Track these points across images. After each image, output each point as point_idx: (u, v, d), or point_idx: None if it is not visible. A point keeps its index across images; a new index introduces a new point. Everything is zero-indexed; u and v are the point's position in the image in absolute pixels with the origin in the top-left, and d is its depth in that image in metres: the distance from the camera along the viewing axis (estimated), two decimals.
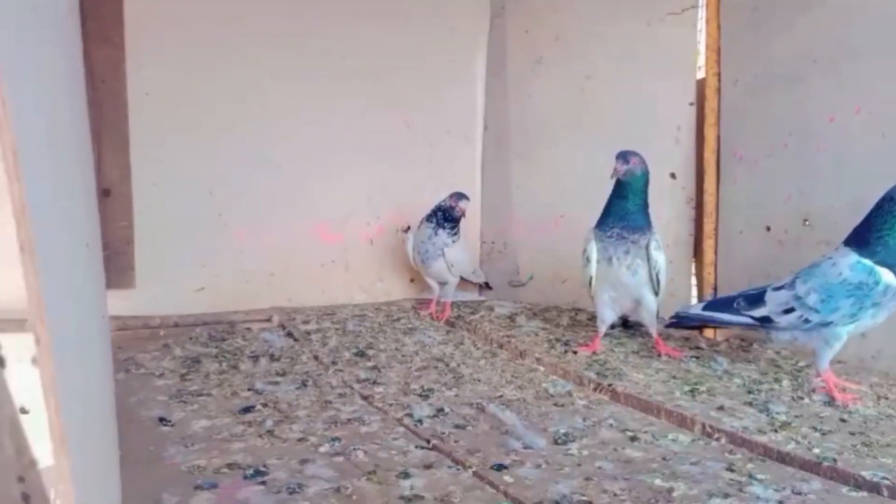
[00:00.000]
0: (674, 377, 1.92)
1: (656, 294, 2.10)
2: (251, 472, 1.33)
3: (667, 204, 2.56)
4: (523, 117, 3.06)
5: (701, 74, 2.68)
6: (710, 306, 2.06)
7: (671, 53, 2.66)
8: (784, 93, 2.32)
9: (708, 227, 2.54)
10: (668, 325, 2.14)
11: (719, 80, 2.55)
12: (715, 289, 2.49)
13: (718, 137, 2.55)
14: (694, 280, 2.63)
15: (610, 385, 1.85)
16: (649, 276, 2.08)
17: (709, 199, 2.55)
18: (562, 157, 2.90)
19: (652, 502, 1.21)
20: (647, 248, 2.05)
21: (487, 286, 3.05)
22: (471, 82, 3.18)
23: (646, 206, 2.10)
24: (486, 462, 1.40)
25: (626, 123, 2.68)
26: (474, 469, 1.36)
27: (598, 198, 2.20)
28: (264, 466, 1.36)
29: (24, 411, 0.93)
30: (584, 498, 1.22)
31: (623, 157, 2.06)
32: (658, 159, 2.33)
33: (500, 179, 3.12)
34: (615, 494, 1.24)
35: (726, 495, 1.23)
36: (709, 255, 2.53)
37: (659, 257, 2.06)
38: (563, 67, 2.93)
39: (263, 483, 1.29)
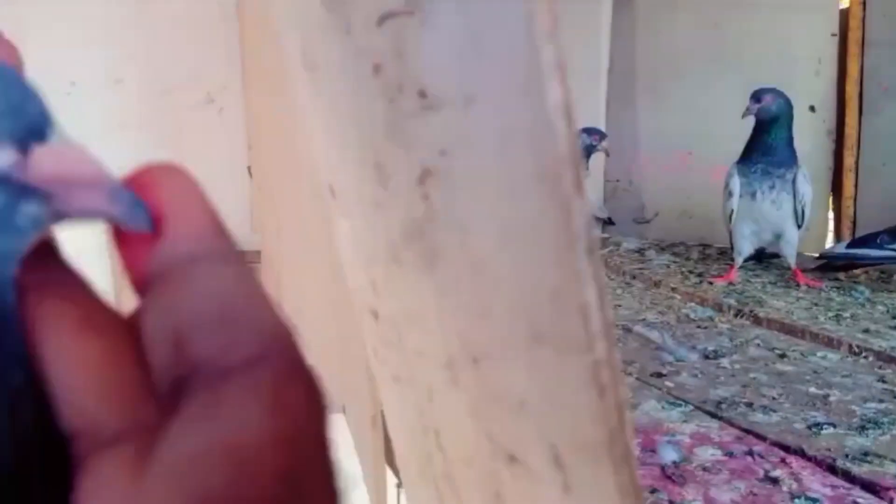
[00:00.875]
0: (815, 304, 2.00)
1: (799, 227, 2.15)
2: None
3: (806, 137, 2.54)
4: (652, 55, 3.07)
5: (844, 4, 2.61)
6: (853, 244, 2.10)
7: None
8: None
9: (848, 160, 2.52)
10: (815, 269, 2.19)
11: (864, 10, 2.48)
12: (854, 223, 2.50)
13: (862, 69, 2.50)
14: (831, 214, 2.64)
15: (751, 311, 1.96)
16: (793, 210, 2.12)
17: (850, 133, 2.52)
18: (692, 93, 2.91)
19: (809, 404, 1.34)
20: (793, 181, 2.09)
21: (611, 222, 3.16)
22: (596, 21, 3.20)
23: (790, 140, 2.13)
24: (645, 371, 1.57)
25: (762, 56, 2.66)
26: (635, 375, 1.54)
27: (730, 134, 2.24)
28: None
29: None
30: (744, 399, 1.37)
31: (756, 96, 2.09)
32: (797, 92, 2.32)
33: (627, 117, 3.17)
34: (774, 398, 1.38)
35: (881, 400, 1.34)
36: (848, 189, 2.52)
37: (806, 190, 2.10)
38: (695, 2, 2.91)
39: None
